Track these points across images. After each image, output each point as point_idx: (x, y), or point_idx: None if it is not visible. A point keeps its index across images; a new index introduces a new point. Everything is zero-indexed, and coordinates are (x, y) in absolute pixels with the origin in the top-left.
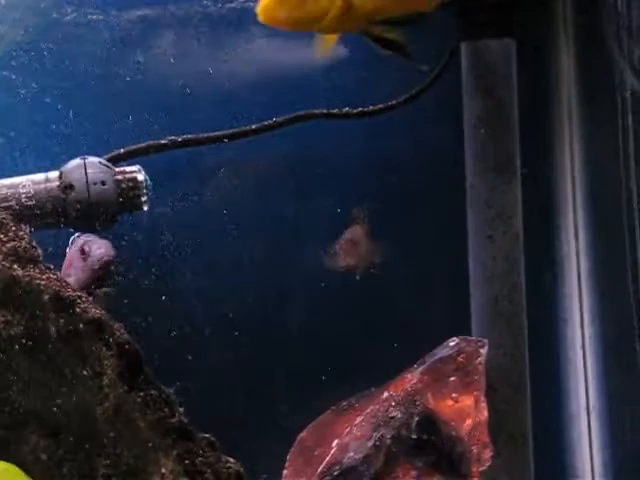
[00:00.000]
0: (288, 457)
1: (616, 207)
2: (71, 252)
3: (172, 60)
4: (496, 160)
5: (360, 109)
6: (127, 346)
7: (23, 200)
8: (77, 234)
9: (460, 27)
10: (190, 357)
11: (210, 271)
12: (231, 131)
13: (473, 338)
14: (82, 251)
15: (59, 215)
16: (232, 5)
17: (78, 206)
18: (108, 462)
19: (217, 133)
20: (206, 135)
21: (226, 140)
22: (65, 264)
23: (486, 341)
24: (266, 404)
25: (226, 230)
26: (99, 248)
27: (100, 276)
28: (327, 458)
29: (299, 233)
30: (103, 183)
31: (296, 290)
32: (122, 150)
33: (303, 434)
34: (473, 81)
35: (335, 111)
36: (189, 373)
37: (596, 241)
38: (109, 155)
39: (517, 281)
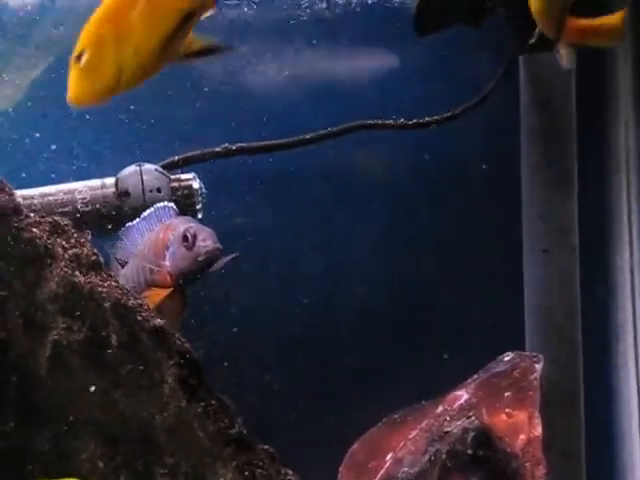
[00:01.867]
0: (340, 470)
1: None
2: (166, 233)
3: (232, 69)
4: (553, 174)
5: (415, 120)
6: (188, 355)
7: (79, 206)
8: (160, 206)
9: (519, 40)
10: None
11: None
12: (285, 140)
13: (528, 353)
14: (185, 238)
15: (114, 221)
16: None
17: (133, 213)
18: (165, 471)
19: (271, 142)
20: (261, 144)
21: (280, 150)
22: (152, 241)
23: (541, 357)
24: (317, 417)
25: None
26: (206, 240)
27: (203, 269)
28: (381, 472)
29: (349, 242)
30: (159, 190)
31: (345, 301)
32: (177, 157)
33: (355, 447)
34: (531, 94)
35: (390, 122)
36: (242, 385)
37: None
38: (164, 162)
39: (572, 295)
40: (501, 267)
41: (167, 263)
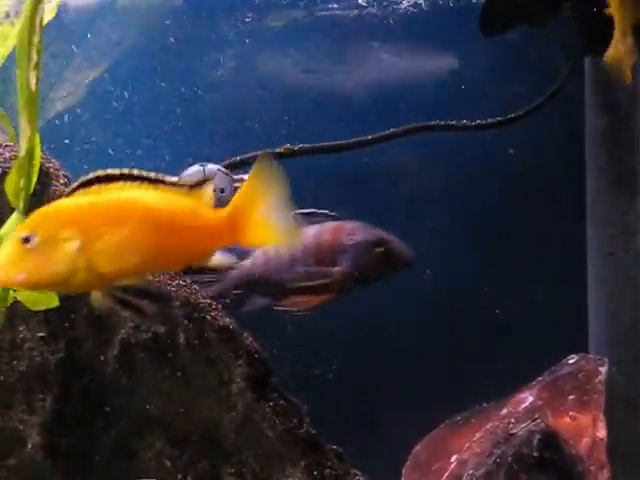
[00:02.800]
0: (403, 471)
1: None
2: (336, 238)
3: (292, 70)
4: (618, 177)
5: (478, 121)
6: (256, 355)
7: None
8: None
9: (585, 42)
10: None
11: None
12: (347, 141)
13: (592, 356)
14: (377, 244)
15: None
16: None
17: None
18: (233, 471)
19: (334, 143)
20: (323, 144)
21: (343, 150)
22: (313, 245)
23: (606, 359)
24: (380, 417)
25: None
26: (402, 250)
27: (388, 277)
28: (446, 474)
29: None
30: (222, 190)
31: (409, 305)
32: (238, 158)
33: (418, 448)
34: (596, 96)
35: (453, 123)
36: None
37: None
38: (226, 162)
39: (637, 299)
40: (566, 270)
41: (340, 269)
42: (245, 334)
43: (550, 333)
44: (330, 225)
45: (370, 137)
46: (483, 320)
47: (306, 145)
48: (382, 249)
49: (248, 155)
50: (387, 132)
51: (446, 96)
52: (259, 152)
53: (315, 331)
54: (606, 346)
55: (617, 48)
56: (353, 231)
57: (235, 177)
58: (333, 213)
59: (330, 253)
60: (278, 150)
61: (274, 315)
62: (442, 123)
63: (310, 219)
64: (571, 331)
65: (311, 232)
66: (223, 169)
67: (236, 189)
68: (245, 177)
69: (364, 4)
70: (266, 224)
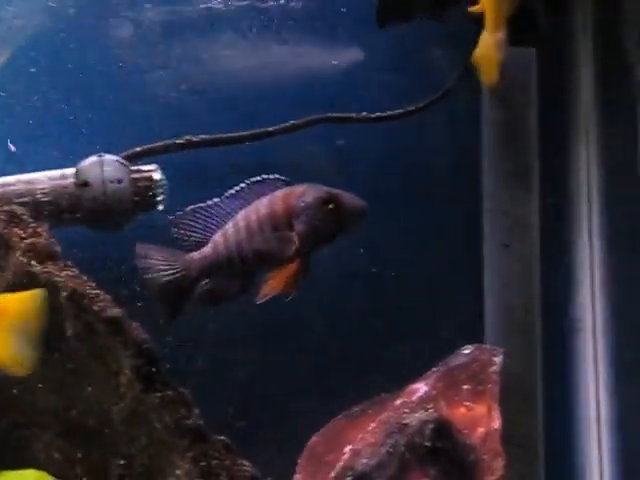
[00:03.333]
0: (299, 462)
1: (632, 217)
2: (287, 203)
3: (193, 61)
4: (514, 170)
5: (378, 114)
6: (144, 345)
7: (39, 196)
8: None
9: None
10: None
11: None
12: (247, 133)
13: (487, 346)
14: (326, 201)
15: (74, 212)
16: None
17: (93, 204)
18: (123, 462)
19: (234, 134)
20: (223, 136)
21: (243, 141)
22: (265, 215)
23: (501, 350)
24: (276, 408)
25: None
26: (353, 199)
27: (348, 230)
28: (340, 464)
29: None
30: (119, 181)
31: (311, 295)
32: (139, 148)
33: (314, 439)
34: (491, 91)
35: (353, 115)
36: (200, 375)
37: (611, 251)
38: (126, 153)
39: (532, 290)
40: (463, 260)
41: (295, 231)
42: (134, 325)
43: (447, 324)
44: (280, 192)
45: (271, 129)
46: (380, 311)
47: (206, 137)
48: (332, 205)
49: (148, 146)
50: (288, 124)
51: (346, 88)
52: (159, 144)
53: (217, 321)
54: (501, 336)
55: (486, 43)
56: (303, 194)
57: (132, 168)
58: (284, 178)
59: (285, 219)
60: (179, 141)
61: None
62: (342, 115)
63: (261, 188)
64: (468, 322)
65: (263, 202)
66: (121, 160)
67: (134, 180)
68: (143, 168)
69: None
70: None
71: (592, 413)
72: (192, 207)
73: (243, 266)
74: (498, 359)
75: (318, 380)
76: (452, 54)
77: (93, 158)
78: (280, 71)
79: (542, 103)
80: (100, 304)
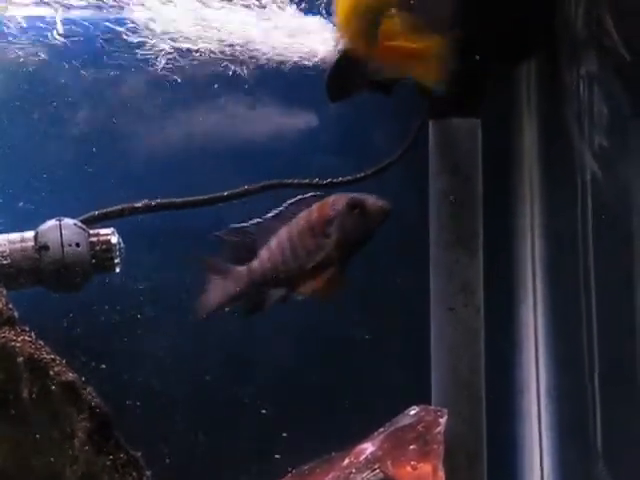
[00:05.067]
0: None
1: (574, 282)
2: (322, 213)
3: (155, 122)
4: (459, 234)
5: (330, 180)
6: (98, 410)
7: None
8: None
9: (429, 106)
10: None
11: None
12: (202, 197)
13: (433, 407)
14: (353, 206)
15: (33, 275)
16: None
17: (52, 267)
18: None
19: (189, 199)
20: (178, 200)
21: (199, 206)
22: (302, 229)
23: (445, 411)
24: (225, 467)
25: None
26: (376, 201)
27: (374, 232)
28: None
29: None
30: (77, 245)
31: (257, 356)
32: (96, 212)
33: None
34: (439, 158)
35: (305, 181)
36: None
37: (553, 314)
38: (84, 217)
39: (476, 351)
40: (410, 323)
41: (332, 237)
42: (88, 389)
43: (395, 384)
44: (316, 205)
45: (226, 193)
46: (328, 371)
47: (162, 201)
48: (358, 209)
49: (105, 210)
50: (242, 189)
51: (302, 153)
52: (116, 207)
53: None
54: (447, 398)
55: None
56: (335, 202)
57: (90, 232)
58: (318, 193)
59: (320, 228)
60: (136, 205)
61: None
62: (296, 181)
63: (298, 207)
64: (416, 382)
65: (302, 216)
66: (79, 224)
67: (92, 244)
68: (101, 232)
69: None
70: None
71: (536, 473)
72: (235, 225)
73: (287, 275)
74: (443, 420)
75: (266, 439)
76: (401, 125)
77: (52, 222)
78: (236, 136)
79: (487, 170)
80: (56, 369)
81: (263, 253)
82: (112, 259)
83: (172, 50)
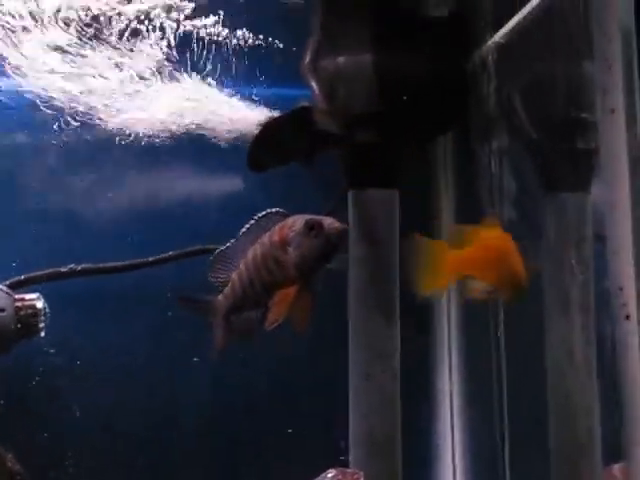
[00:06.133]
0: None
1: (486, 350)
2: (281, 233)
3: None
4: (377, 302)
5: None
6: (18, 477)
7: None
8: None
9: (348, 178)
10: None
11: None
12: (128, 262)
13: (350, 470)
14: (310, 227)
15: None
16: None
17: None
18: None
19: (115, 264)
20: (105, 265)
21: (124, 271)
22: (265, 248)
23: (362, 473)
24: None
25: None
26: (332, 223)
27: (331, 254)
28: None
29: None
30: (2, 310)
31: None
32: (22, 277)
33: None
34: (358, 227)
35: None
36: None
37: (468, 381)
38: (10, 281)
39: (393, 416)
40: (330, 391)
41: (291, 257)
42: (9, 456)
43: (316, 450)
44: (277, 225)
45: (151, 259)
46: (246, 436)
47: (88, 266)
48: (314, 230)
49: (31, 275)
50: (167, 255)
51: (228, 219)
52: (42, 272)
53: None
54: (364, 461)
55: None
56: (294, 223)
57: (16, 297)
58: (282, 211)
59: (282, 249)
60: (62, 270)
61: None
62: (219, 247)
63: (266, 221)
64: (335, 446)
65: (265, 237)
66: (4, 288)
67: (17, 309)
68: (26, 297)
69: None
70: None
71: None
72: (217, 251)
73: (256, 299)
74: None
75: None
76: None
77: None
78: (160, 202)
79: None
80: None
81: (234, 277)
82: (37, 324)
83: None
